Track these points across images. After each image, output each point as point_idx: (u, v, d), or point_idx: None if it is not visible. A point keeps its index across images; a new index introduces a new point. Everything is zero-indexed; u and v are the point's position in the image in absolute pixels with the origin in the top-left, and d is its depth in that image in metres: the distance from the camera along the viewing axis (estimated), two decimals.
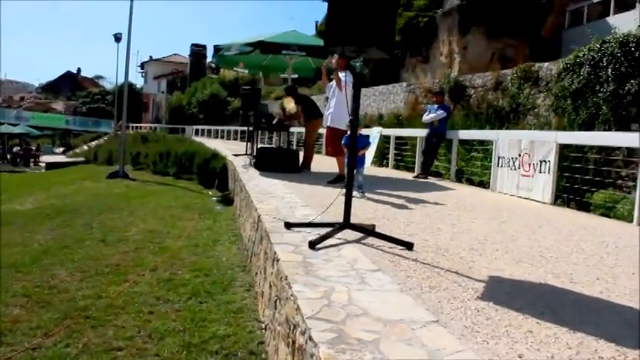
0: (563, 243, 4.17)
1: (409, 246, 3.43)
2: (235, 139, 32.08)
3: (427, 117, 10.62)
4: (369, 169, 13.65)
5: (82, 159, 28.14)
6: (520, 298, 2.55)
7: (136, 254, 6.06)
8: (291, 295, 2.40)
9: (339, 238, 3.56)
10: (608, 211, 7.53)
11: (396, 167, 13.65)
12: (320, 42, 9.95)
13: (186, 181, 13.61)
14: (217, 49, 9.68)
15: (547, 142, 7.12)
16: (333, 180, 7.76)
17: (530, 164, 7.43)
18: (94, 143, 37.32)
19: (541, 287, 2.82)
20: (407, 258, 3.21)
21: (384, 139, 14.76)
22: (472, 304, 2.42)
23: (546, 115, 12.72)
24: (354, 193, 5.64)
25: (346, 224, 3.59)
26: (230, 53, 9.45)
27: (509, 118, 13.82)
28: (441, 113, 10.35)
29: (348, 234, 3.66)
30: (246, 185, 7.01)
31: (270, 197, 5.78)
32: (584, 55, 11.39)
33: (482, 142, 11.02)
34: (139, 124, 49.51)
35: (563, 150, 7.33)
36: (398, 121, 17.97)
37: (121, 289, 4.70)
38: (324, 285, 2.53)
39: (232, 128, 33.24)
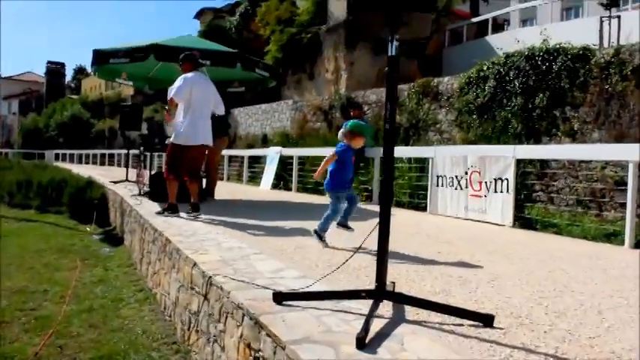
0: (611, 285, 3.23)
1: (488, 320, 2.23)
2: (103, 164, 29.06)
3: None
4: (268, 192, 12.43)
5: None
6: None
7: None
8: None
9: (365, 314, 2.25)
10: (557, 229, 6.97)
11: (298, 190, 12.53)
12: (224, 47, 8.51)
13: (54, 215, 11.30)
14: (98, 54, 7.81)
15: (503, 158, 6.35)
16: (162, 211, 6.26)
17: (481, 183, 6.63)
18: None
19: None
20: (514, 347, 1.99)
21: (285, 160, 13.57)
22: None
23: (449, 131, 12.39)
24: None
25: (382, 293, 2.30)
26: (115, 61, 7.66)
27: (409, 134, 13.35)
28: None
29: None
30: (153, 223, 5.40)
31: (202, 242, 4.28)
32: (488, 68, 11.17)
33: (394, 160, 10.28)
34: None
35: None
36: (288, 141, 16.95)
37: None
38: None
39: (99, 152, 30.16)
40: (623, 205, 7.78)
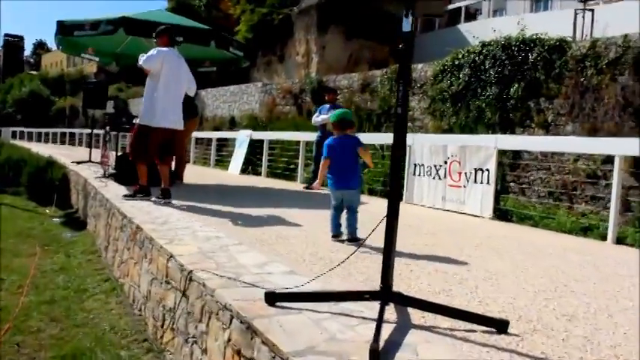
0: (610, 285, 3.12)
1: (502, 326, 2.05)
2: (64, 143, 28.07)
3: (317, 118, 9.29)
4: (238, 177, 12.11)
5: None
6: None
7: None
8: None
9: (373, 319, 2.05)
10: (533, 221, 6.92)
11: (267, 175, 12.30)
12: (198, 24, 8.12)
13: (11, 195, 10.74)
14: (62, 26, 7.31)
15: (485, 148, 6.22)
16: (133, 193, 5.94)
17: (460, 173, 6.50)
18: None
19: None
20: (535, 357, 1.82)
21: (254, 144, 13.26)
22: None
23: (422, 119, 12.27)
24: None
25: (388, 295, 2.09)
26: (81, 33, 7.18)
27: (381, 121, 13.19)
28: None
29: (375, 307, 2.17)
30: (121, 208, 5.07)
31: (176, 230, 3.99)
32: (463, 57, 11.04)
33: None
34: None
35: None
36: (257, 124, 16.60)
37: None
38: None
39: (60, 131, 29.14)
40: (594, 198, 7.83)
